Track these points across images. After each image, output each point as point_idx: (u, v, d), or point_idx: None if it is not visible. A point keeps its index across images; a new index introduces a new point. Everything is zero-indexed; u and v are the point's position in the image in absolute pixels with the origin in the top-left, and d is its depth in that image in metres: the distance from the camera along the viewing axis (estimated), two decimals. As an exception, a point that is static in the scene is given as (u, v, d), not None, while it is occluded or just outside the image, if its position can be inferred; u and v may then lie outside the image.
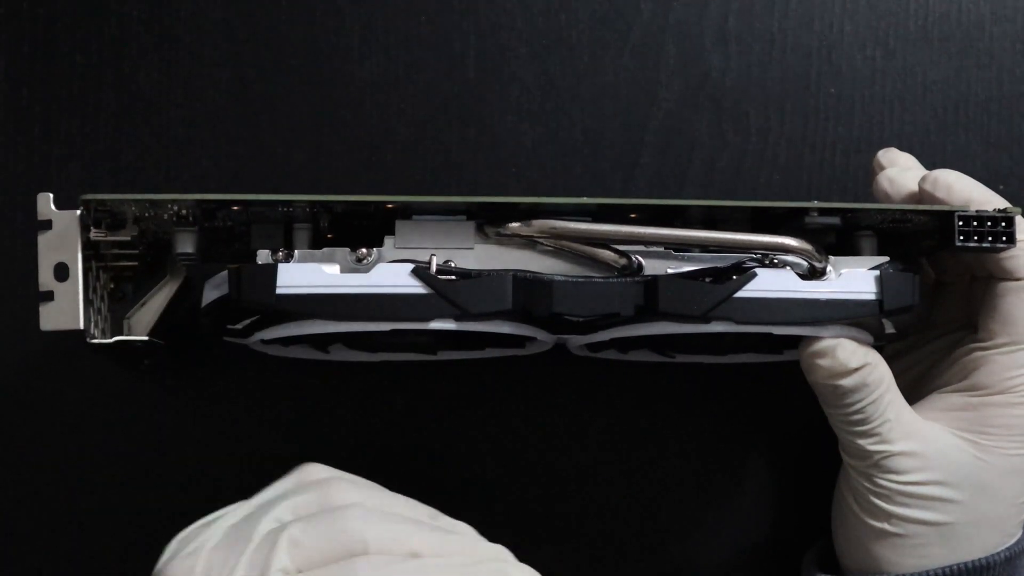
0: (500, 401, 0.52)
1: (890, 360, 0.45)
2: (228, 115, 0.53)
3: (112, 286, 0.46)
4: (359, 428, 0.52)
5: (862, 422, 0.44)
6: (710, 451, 0.52)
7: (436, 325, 0.41)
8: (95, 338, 0.44)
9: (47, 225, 0.42)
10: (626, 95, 0.53)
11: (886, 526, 0.45)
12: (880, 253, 0.44)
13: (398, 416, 0.52)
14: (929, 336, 0.49)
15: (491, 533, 0.40)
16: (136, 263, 0.45)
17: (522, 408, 0.52)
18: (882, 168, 0.47)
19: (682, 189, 0.53)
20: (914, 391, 0.47)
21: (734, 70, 0.53)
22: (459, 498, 0.52)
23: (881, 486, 0.45)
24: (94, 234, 0.43)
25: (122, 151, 0.52)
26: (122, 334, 0.45)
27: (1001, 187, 0.53)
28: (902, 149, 0.53)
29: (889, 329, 0.44)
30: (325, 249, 0.42)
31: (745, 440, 0.52)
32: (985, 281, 0.46)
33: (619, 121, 0.53)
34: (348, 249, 0.42)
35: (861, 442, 0.44)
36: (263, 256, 0.42)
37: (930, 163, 0.53)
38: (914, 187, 0.45)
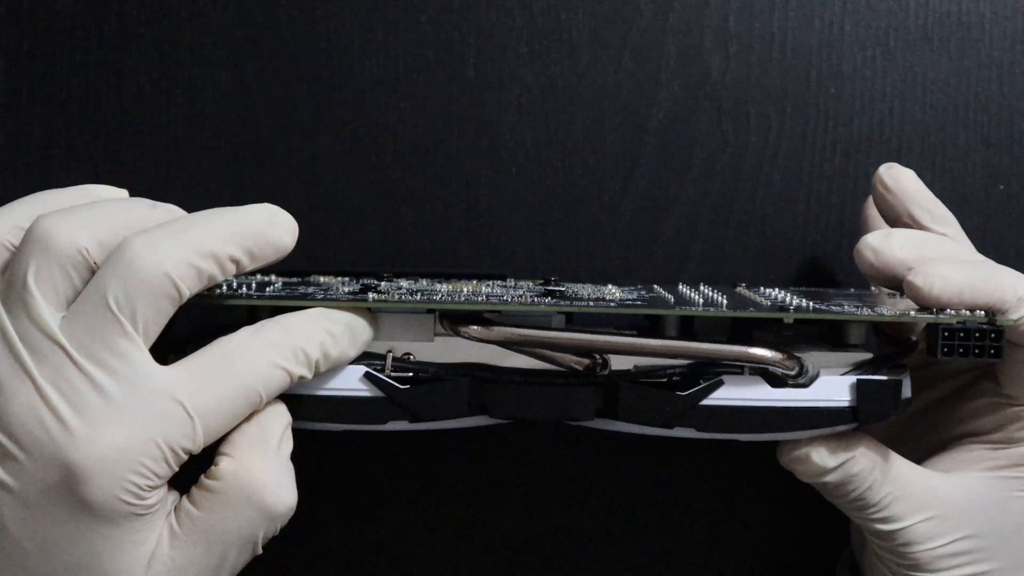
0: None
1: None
2: (228, 115, 0.53)
3: None
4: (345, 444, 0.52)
5: (865, 507, 0.43)
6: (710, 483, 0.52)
7: (391, 427, 0.41)
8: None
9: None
10: (626, 95, 0.53)
11: None
12: (867, 337, 0.43)
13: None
14: (930, 378, 0.48)
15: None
16: None
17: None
18: (885, 188, 0.46)
19: (682, 189, 0.53)
20: (924, 430, 0.46)
21: (734, 70, 0.53)
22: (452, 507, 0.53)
23: (909, 558, 0.43)
24: None
25: (122, 151, 0.52)
26: None
27: (1001, 187, 0.53)
28: (902, 149, 0.53)
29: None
30: None
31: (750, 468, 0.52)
32: None
33: (619, 121, 0.53)
34: None
35: (875, 525, 0.43)
36: None
37: (930, 163, 0.53)
38: (904, 258, 0.43)
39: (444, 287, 0.44)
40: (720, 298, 0.43)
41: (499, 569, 0.53)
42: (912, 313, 0.41)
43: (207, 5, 0.53)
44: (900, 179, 0.47)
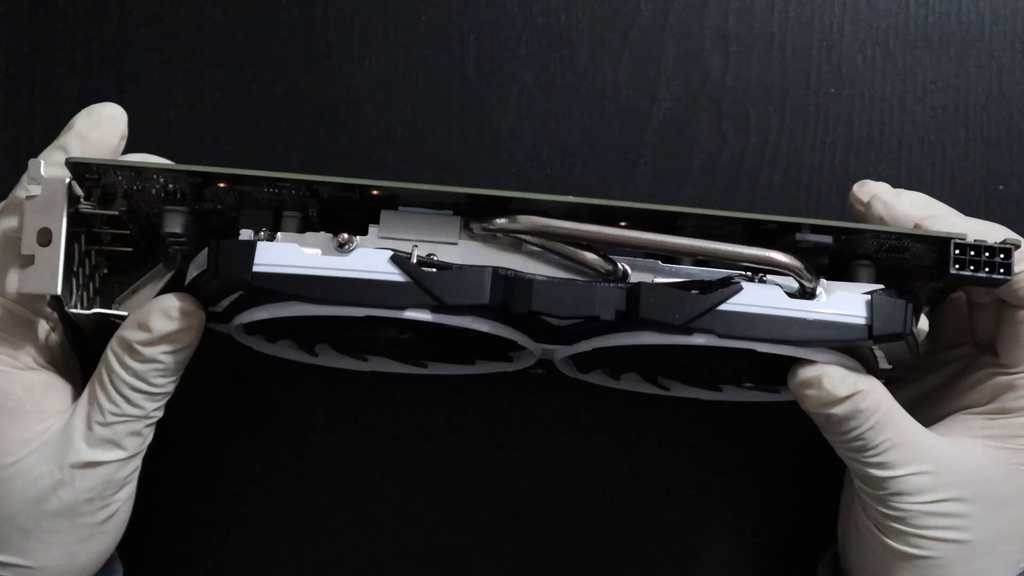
0: (491, 423, 0.52)
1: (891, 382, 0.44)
2: (228, 115, 0.53)
3: (106, 271, 0.46)
4: (346, 441, 0.52)
5: (863, 448, 0.43)
6: (701, 478, 0.52)
7: (411, 315, 0.41)
8: (73, 307, 0.43)
9: (36, 192, 0.42)
10: (626, 95, 0.53)
11: (906, 548, 0.44)
12: (878, 279, 0.43)
13: (386, 434, 0.52)
14: (932, 352, 0.48)
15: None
16: (131, 248, 0.45)
17: (511, 434, 0.52)
18: (861, 203, 0.46)
19: (682, 189, 0.53)
20: (926, 410, 0.46)
21: (734, 70, 0.53)
22: (448, 513, 0.53)
23: (897, 508, 0.43)
24: (83, 206, 0.43)
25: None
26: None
27: (1001, 187, 0.53)
28: (902, 149, 0.53)
29: (883, 365, 0.43)
30: (308, 233, 0.42)
31: (740, 459, 0.52)
32: (996, 306, 0.45)
33: (619, 121, 0.53)
34: (331, 235, 0.41)
35: (868, 470, 0.43)
36: (246, 235, 0.42)
37: (930, 163, 0.53)
38: (913, 213, 0.44)
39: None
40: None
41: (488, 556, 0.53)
42: (927, 232, 0.42)
43: (207, 5, 0.53)
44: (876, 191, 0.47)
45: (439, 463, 0.52)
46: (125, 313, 0.44)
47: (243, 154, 0.53)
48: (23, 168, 0.44)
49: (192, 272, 0.42)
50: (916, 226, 0.44)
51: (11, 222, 0.43)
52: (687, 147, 0.53)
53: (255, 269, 0.40)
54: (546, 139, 0.53)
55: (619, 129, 0.53)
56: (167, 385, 0.43)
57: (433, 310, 0.41)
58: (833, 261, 0.44)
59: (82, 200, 0.43)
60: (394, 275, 0.40)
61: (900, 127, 0.53)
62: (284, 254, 0.41)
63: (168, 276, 0.45)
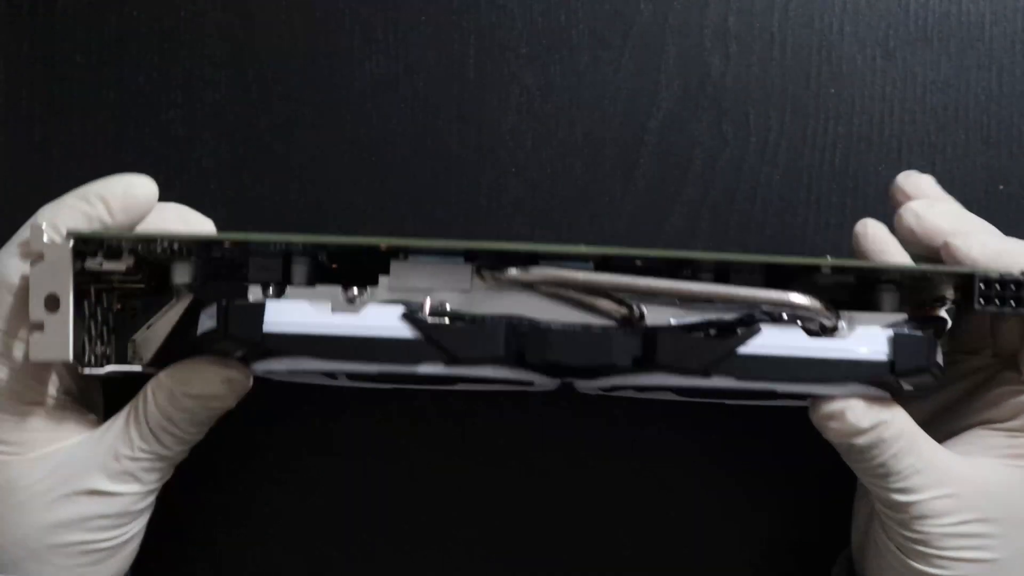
0: (503, 440, 0.52)
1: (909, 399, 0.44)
2: (228, 115, 0.53)
3: (119, 306, 0.46)
4: (359, 456, 0.52)
5: (885, 475, 0.42)
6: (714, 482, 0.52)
7: (425, 369, 0.40)
8: (89, 366, 0.43)
9: (40, 257, 0.41)
10: (626, 95, 0.53)
11: (929, 568, 0.43)
12: (901, 305, 0.43)
13: (399, 453, 0.52)
14: (951, 357, 0.47)
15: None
16: (142, 285, 0.45)
17: (527, 448, 0.52)
18: (905, 196, 0.45)
19: (682, 189, 0.53)
20: (944, 423, 0.46)
21: (734, 70, 0.53)
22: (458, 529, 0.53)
23: (919, 531, 0.43)
24: (89, 263, 0.43)
25: (122, 151, 0.52)
26: (127, 357, 0.45)
27: (1001, 187, 0.53)
28: (902, 149, 0.53)
29: (907, 387, 0.43)
30: (318, 287, 0.42)
31: (748, 460, 0.52)
32: (1020, 321, 0.45)
33: (619, 121, 0.53)
34: (341, 287, 0.41)
35: (891, 495, 0.43)
36: (254, 292, 0.42)
37: (930, 163, 0.53)
38: (944, 227, 0.43)
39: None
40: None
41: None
42: (950, 268, 0.41)
43: (207, 5, 0.53)
44: (920, 186, 0.46)
45: (444, 472, 0.52)
46: (139, 368, 0.44)
47: (243, 154, 0.53)
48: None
49: (204, 323, 0.42)
50: (944, 244, 0.43)
51: (10, 273, 0.43)
52: (687, 147, 0.53)
53: (266, 329, 0.40)
54: (546, 139, 0.53)
55: (619, 129, 0.53)
56: (198, 434, 0.44)
57: (447, 363, 0.40)
58: (858, 283, 0.43)
59: (88, 259, 0.43)
60: (406, 331, 0.40)
61: (900, 127, 0.53)
62: (294, 314, 0.41)
63: (183, 308, 0.45)
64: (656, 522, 0.53)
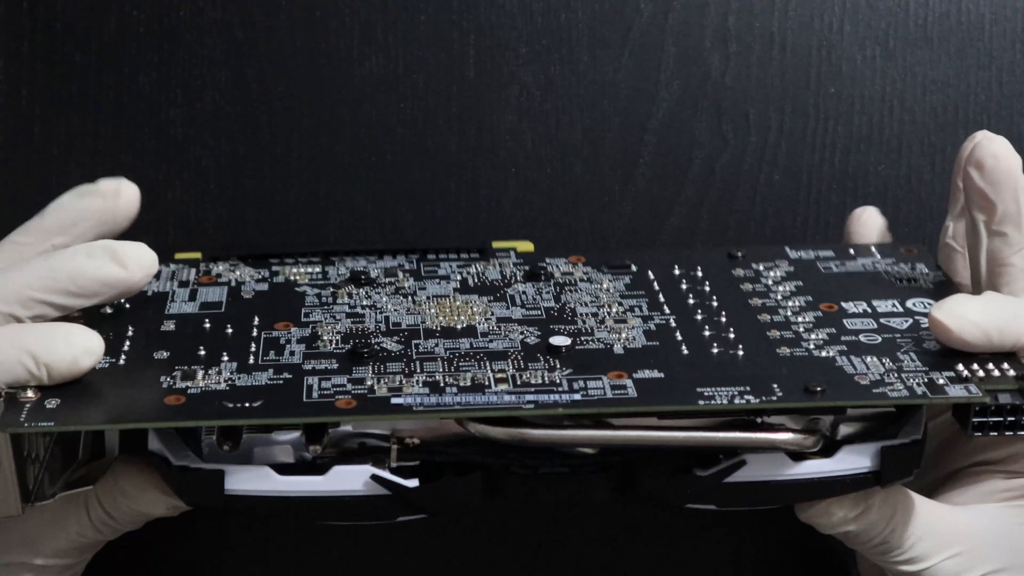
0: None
1: None
2: (228, 115, 0.53)
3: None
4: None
5: (888, 550, 0.42)
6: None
7: (403, 518, 0.39)
8: (36, 501, 0.40)
9: None
10: (626, 95, 0.53)
11: None
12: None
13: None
14: (943, 410, 0.46)
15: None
16: None
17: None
18: (860, 227, 0.46)
19: (682, 189, 0.53)
20: (936, 467, 0.46)
21: (734, 70, 0.53)
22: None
23: None
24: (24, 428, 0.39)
25: (122, 151, 0.53)
26: (79, 482, 0.42)
27: (1001, 187, 0.53)
28: (902, 149, 0.53)
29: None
30: (275, 434, 0.39)
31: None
32: None
33: (619, 121, 0.53)
34: (299, 433, 0.39)
35: (899, 567, 0.42)
36: (208, 444, 0.39)
37: (930, 163, 0.53)
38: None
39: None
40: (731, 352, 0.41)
41: None
42: (947, 398, 0.39)
43: (207, 5, 0.53)
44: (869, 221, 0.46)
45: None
46: (88, 488, 0.41)
47: (243, 154, 0.53)
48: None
49: (154, 444, 0.39)
50: (932, 318, 0.40)
51: None
52: (687, 147, 0.53)
53: (227, 492, 0.38)
54: (546, 139, 0.53)
55: (619, 129, 0.53)
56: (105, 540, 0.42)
57: (424, 515, 0.39)
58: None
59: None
60: (376, 490, 0.39)
61: (900, 127, 0.53)
62: (253, 479, 0.39)
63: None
64: (664, 535, 0.53)
